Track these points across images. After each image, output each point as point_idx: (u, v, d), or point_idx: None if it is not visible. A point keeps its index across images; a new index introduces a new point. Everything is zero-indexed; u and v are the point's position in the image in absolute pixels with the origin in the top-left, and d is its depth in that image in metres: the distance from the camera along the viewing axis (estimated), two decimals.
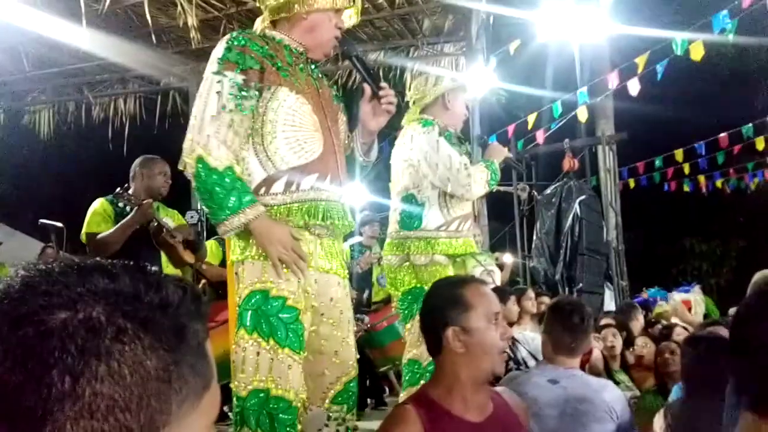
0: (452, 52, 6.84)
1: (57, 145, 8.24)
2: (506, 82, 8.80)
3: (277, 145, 1.99)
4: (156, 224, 3.40)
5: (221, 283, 3.93)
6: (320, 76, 2.22)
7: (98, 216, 3.43)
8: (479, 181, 2.96)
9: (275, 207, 2.00)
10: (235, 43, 1.99)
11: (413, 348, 2.96)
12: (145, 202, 3.32)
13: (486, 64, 6.57)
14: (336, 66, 6.89)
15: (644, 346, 3.79)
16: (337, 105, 2.26)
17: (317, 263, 2.07)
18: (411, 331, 2.99)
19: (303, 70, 2.11)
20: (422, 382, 2.88)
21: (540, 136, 8.22)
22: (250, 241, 1.99)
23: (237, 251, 2.03)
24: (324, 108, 2.12)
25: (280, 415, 1.88)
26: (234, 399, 1.95)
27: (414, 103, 3.23)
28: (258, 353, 1.91)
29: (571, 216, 6.91)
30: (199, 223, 6.77)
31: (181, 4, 5.15)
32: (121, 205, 3.39)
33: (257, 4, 2.20)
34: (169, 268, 3.52)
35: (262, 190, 2.01)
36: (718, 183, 11.44)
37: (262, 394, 1.89)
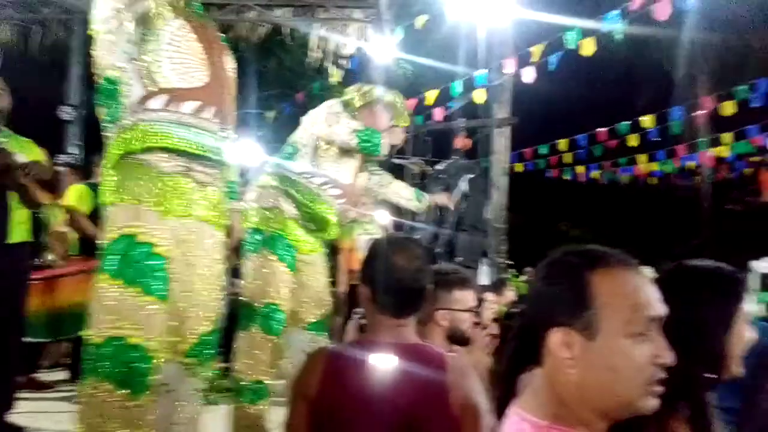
0: (360, 19, 6.81)
1: None
2: (413, 56, 8.87)
3: (161, 63, 1.93)
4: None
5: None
6: (204, 16, 2.18)
7: None
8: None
9: (152, 123, 1.92)
10: None
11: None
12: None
13: (392, 34, 6.61)
14: (238, 17, 6.67)
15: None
16: (224, 45, 2.20)
17: (196, 212, 2.02)
18: None
19: (187, 5, 2.08)
20: (252, 325, 2.69)
21: (439, 113, 8.40)
22: (126, 183, 1.92)
23: (111, 193, 1.94)
24: (210, 42, 2.08)
25: (136, 364, 1.82)
26: (86, 348, 1.86)
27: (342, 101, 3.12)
28: (120, 300, 1.84)
29: (457, 193, 7.16)
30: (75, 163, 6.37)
31: None
32: None
33: None
34: (20, 210, 3.12)
35: (140, 106, 1.93)
36: (595, 174, 12.31)
37: (118, 342, 1.82)
